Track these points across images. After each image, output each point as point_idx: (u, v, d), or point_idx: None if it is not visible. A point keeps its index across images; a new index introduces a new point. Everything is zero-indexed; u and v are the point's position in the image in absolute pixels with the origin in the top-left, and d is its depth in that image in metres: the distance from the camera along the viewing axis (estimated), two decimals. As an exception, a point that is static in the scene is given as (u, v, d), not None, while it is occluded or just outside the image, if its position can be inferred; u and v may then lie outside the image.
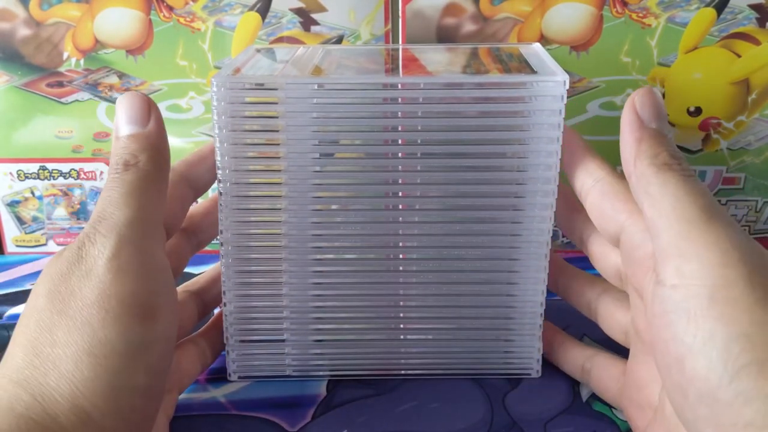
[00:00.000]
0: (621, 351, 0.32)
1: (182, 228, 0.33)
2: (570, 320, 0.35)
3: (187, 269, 0.39)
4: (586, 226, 0.31)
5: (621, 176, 0.30)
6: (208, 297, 0.35)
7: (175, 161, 0.32)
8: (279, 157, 0.31)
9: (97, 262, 0.25)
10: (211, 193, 0.35)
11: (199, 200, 0.35)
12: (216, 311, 0.37)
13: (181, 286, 0.35)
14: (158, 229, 0.28)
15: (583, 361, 0.33)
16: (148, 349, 0.26)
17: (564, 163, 0.31)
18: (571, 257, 0.37)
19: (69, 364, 0.24)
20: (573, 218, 0.32)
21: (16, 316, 0.41)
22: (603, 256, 0.31)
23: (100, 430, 0.24)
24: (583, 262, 0.34)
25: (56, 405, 0.23)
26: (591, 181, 0.30)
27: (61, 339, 0.24)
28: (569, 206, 0.32)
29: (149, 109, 0.29)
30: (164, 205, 0.29)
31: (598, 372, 0.32)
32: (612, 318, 0.31)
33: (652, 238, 0.26)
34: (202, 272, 0.37)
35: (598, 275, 0.32)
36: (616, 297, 0.31)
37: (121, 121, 0.29)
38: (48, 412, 0.23)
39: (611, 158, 0.44)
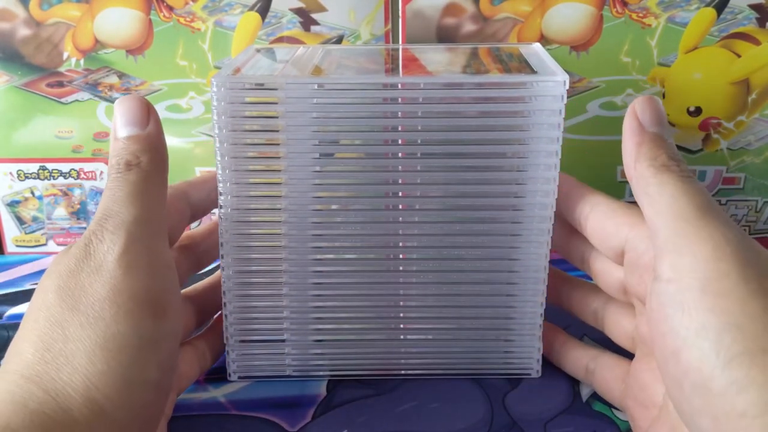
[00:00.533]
0: (623, 351, 0.32)
1: (182, 245, 0.34)
2: (570, 320, 0.35)
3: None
4: (585, 245, 0.32)
5: (617, 199, 0.31)
6: (206, 303, 0.35)
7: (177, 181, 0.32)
8: (279, 157, 0.31)
9: (107, 258, 0.26)
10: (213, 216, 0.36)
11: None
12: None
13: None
14: (163, 228, 0.28)
15: (586, 361, 0.33)
16: (159, 344, 0.26)
17: (560, 203, 0.31)
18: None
19: (82, 358, 0.24)
20: (571, 240, 0.33)
21: (16, 316, 0.41)
22: (606, 272, 0.31)
23: (113, 423, 0.24)
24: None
25: (69, 399, 0.23)
26: (588, 208, 0.30)
27: (74, 334, 0.24)
28: (566, 229, 0.32)
29: (148, 111, 0.29)
30: (165, 206, 0.29)
31: (602, 372, 0.32)
32: (618, 325, 0.31)
33: (651, 237, 0.26)
34: (201, 270, 0.37)
35: None
36: (622, 304, 0.32)
37: (119, 122, 0.29)
38: (61, 407, 0.23)
39: (612, 158, 0.44)
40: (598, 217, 0.30)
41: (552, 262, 0.33)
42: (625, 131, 0.29)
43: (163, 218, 0.29)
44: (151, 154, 0.28)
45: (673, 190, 0.26)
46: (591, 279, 0.33)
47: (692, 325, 0.23)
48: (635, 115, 0.28)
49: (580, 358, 0.33)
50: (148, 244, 0.27)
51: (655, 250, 0.26)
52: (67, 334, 0.24)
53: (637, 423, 0.29)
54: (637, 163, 0.28)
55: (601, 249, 0.30)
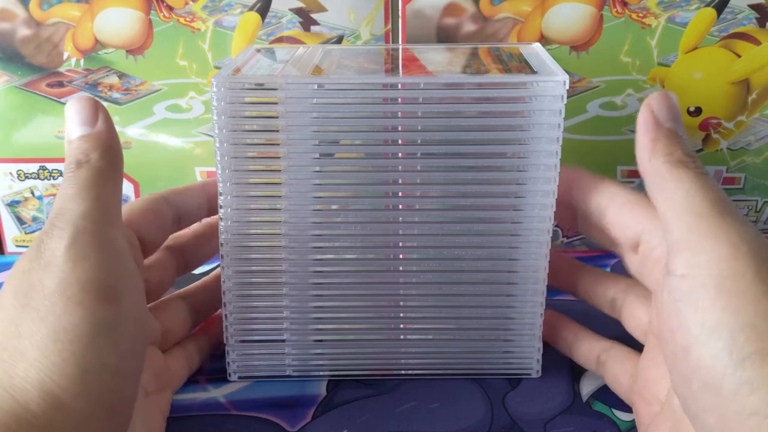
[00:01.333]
0: (634, 345, 0.32)
1: (168, 246, 0.34)
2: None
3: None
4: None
5: (634, 189, 0.30)
6: (200, 303, 0.35)
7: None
8: (279, 157, 0.31)
9: (56, 253, 0.26)
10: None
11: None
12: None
13: (173, 293, 0.35)
14: (116, 218, 0.28)
15: (599, 352, 0.33)
16: (114, 329, 0.26)
17: (574, 194, 0.31)
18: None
19: (35, 351, 0.24)
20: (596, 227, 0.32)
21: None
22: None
23: (73, 413, 0.24)
24: (593, 262, 0.34)
25: (26, 393, 0.24)
26: (607, 198, 0.30)
27: (26, 330, 0.25)
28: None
29: (97, 110, 0.30)
30: (120, 198, 0.29)
31: (613, 365, 0.32)
32: (634, 316, 0.31)
33: (664, 233, 0.26)
34: (201, 270, 0.37)
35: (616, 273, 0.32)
36: (641, 294, 0.31)
37: (70, 124, 0.29)
38: (19, 402, 0.23)
39: (612, 157, 0.44)
40: (616, 208, 0.30)
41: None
42: (640, 126, 0.28)
43: (117, 209, 0.29)
44: (101, 151, 0.29)
45: (689, 187, 0.26)
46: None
47: (706, 323, 0.23)
48: (651, 110, 0.28)
49: (592, 350, 0.33)
50: (97, 234, 0.27)
51: (668, 245, 0.26)
52: (21, 331, 0.25)
53: (640, 419, 0.29)
54: (652, 158, 0.27)
55: (618, 240, 0.30)
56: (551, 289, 0.33)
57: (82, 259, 0.26)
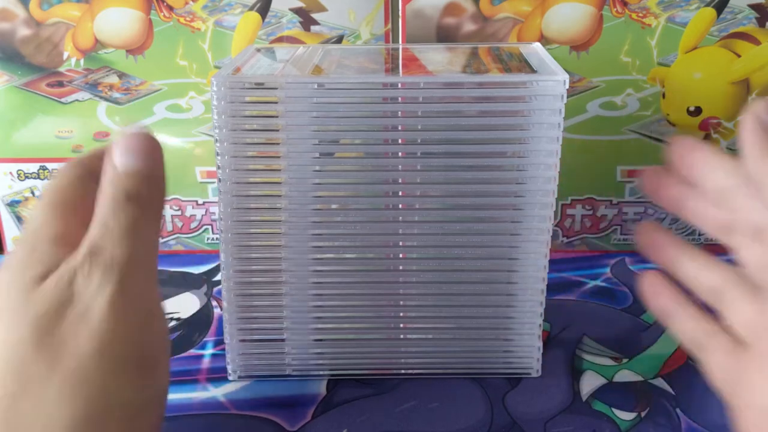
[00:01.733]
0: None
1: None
2: (570, 320, 0.35)
3: (187, 269, 0.39)
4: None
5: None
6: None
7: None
8: (279, 157, 0.31)
9: (96, 302, 0.23)
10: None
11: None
12: None
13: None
14: (154, 271, 0.26)
15: (701, 334, 0.29)
16: (148, 408, 0.24)
17: (695, 169, 0.29)
18: (571, 257, 0.37)
19: (66, 424, 0.22)
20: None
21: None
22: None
23: None
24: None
25: None
26: (734, 178, 0.28)
27: (52, 397, 0.22)
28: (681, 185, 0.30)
29: (154, 147, 0.28)
30: (158, 246, 0.27)
31: (714, 354, 0.29)
32: (740, 311, 0.28)
33: None
34: (201, 270, 0.37)
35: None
36: (750, 288, 0.28)
37: (124, 153, 0.27)
38: None
39: (612, 157, 0.44)
40: (745, 191, 0.28)
41: (551, 262, 0.33)
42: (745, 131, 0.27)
43: (155, 259, 0.26)
44: (151, 190, 0.27)
45: None
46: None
47: None
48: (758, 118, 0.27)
49: (695, 329, 0.30)
50: (141, 291, 0.24)
51: None
52: (48, 395, 0.22)
53: (738, 424, 0.27)
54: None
55: (738, 226, 0.28)
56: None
57: (124, 320, 0.23)
